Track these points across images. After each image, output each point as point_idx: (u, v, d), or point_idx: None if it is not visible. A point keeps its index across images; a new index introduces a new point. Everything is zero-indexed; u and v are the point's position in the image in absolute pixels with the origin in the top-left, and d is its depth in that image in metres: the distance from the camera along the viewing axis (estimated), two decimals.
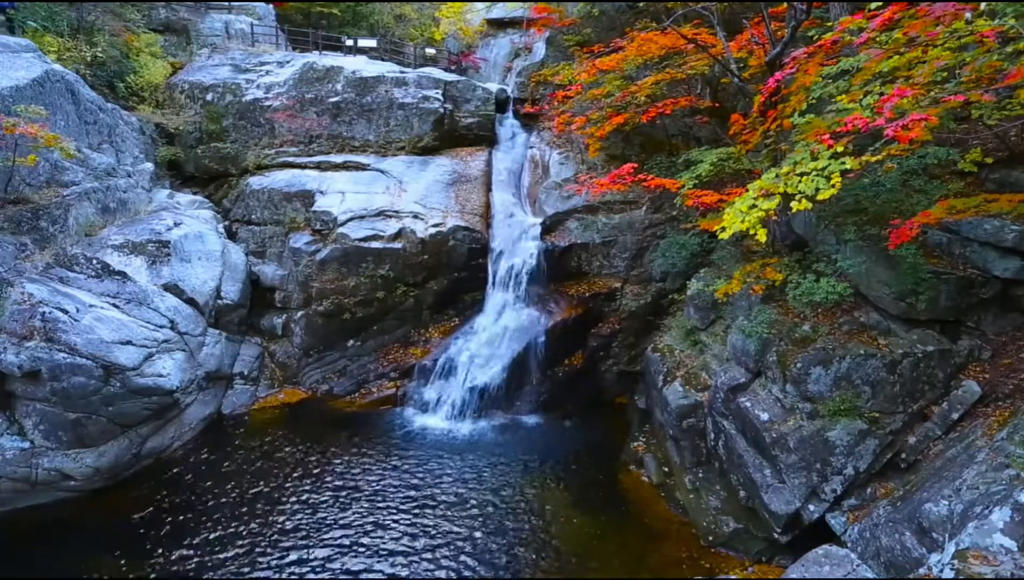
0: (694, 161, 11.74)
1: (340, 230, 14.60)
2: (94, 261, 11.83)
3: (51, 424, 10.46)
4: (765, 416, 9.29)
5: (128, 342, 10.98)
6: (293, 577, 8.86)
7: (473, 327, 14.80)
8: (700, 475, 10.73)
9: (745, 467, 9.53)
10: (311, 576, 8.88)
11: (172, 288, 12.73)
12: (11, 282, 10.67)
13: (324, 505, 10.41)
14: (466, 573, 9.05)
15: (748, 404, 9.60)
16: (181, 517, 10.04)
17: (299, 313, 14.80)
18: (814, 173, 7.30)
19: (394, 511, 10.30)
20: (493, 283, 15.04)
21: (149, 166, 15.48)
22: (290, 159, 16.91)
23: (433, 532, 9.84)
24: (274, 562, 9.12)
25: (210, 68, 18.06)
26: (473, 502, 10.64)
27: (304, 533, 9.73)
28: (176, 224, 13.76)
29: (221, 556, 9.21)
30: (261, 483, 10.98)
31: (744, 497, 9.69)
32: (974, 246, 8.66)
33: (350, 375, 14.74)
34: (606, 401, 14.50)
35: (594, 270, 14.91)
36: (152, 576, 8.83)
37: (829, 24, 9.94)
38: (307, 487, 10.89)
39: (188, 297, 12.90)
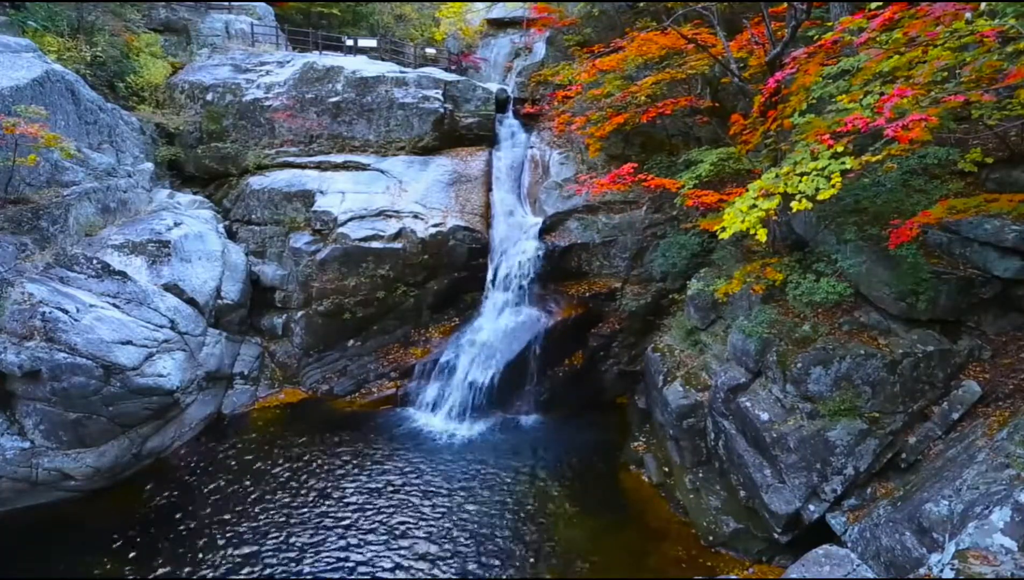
0: (694, 161, 11.75)
1: (340, 230, 14.60)
2: (94, 261, 11.84)
3: (51, 424, 10.46)
4: (765, 416, 9.29)
5: (128, 342, 10.98)
6: (293, 576, 8.87)
7: (473, 327, 14.80)
8: (700, 475, 10.73)
9: (745, 467, 9.53)
10: (311, 575, 8.89)
11: (172, 288, 12.73)
12: (11, 282, 10.67)
13: (324, 505, 10.41)
14: (466, 572, 9.05)
15: (748, 404, 9.60)
16: (181, 517, 10.04)
17: (299, 313, 14.80)
18: (814, 173, 7.30)
19: (394, 511, 10.29)
20: (493, 283, 15.04)
21: (149, 166, 15.48)
22: (290, 159, 16.91)
23: (433, 531, 9.84)
24: (274, 561, 9.12)
25: (210, 68, 18.07)
26: (473, 501, 10.64)
27: (304, 532, 9.72)
28: (176, 224, 13.76)
29: (221, 556, 9.21)
30: (261, 483, 10.98)
31: (744, 497, 9.69)
32: (974, 246, 8.66)
33: (350, 375, 14.73)
34: (606, 401, 14.49)
35: (594, 270, 14.90)
36: (152, 576, 8.83)
37: (829, 24, 9.94)
38: (306, 487, 10.88)
39: (188, 297, 12.90)
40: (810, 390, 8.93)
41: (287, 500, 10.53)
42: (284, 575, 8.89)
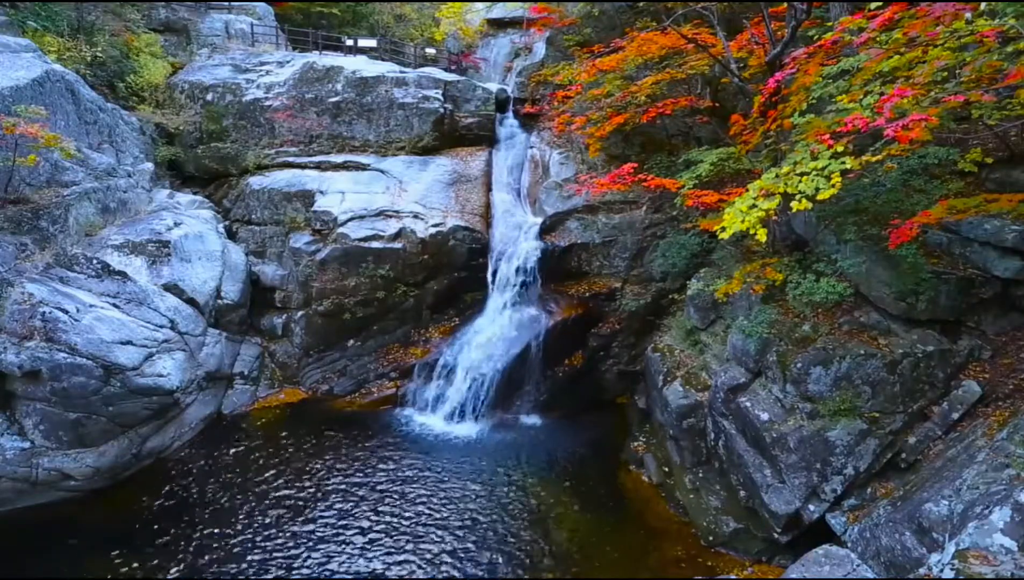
0: (694, 161, 11.75)
1: (340, 230, 14.59)
2: (94, 261, 11.83)
3: (51, 424, 10.46)
4: (765, 416, 9.29)
5: (128, 342, 10.98)
6: (292, 577, 8.87)
7: (473, 327, 14.78)
8: (700, 475, 10.73)
9: (745, 467, 9.53)
10: (309, 576, 8.88)
11: (172, 288, 12.73)
12: (11, 282, 10.67)
13: (323, 505, 10.41)
14: (465, 571, 9.05)
15: (748, 404, 9.60)
16: (181, 517, 10.04)
17: (299, 313, 14.80)
18: (814, 173, 7.31)
19: (394, 511, 10.30)
20: (493, 283, 15.03)
21: (149, 166, 15.48)
22: (290, 159, 16.91)
23: (433, 532, 9.84)
24: (273, 562, 9.12)
25: (210, 68, 18.06)
26: (473, 502, 10.64)
27: (303, 533, 9.72)
28: (176, 224, 13.76)
29: (220, 556, 9.21)
30: (261, 483, 10.98)
31: (744, 497, 9.69)
32: (974, 246, 8.66)
33: (350, 375, 14.73)
34: (606, 401, 14.49)
35: (594, 270, 14.90)
36: (152, 577, 8.82)
37: (829, 24, 9.94)
38: (307, 487, 10.88)
39: (188, 297, 12.90)
40: (810, 390, 8.93)
41: (286, 500, 10.52)
42: (282, 575, 8.88)
